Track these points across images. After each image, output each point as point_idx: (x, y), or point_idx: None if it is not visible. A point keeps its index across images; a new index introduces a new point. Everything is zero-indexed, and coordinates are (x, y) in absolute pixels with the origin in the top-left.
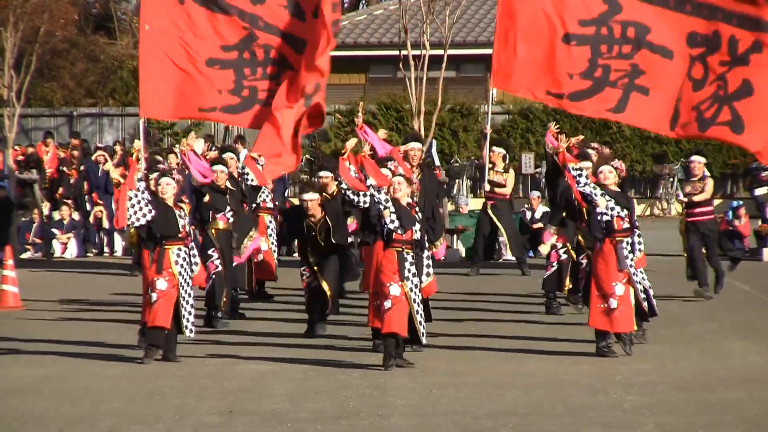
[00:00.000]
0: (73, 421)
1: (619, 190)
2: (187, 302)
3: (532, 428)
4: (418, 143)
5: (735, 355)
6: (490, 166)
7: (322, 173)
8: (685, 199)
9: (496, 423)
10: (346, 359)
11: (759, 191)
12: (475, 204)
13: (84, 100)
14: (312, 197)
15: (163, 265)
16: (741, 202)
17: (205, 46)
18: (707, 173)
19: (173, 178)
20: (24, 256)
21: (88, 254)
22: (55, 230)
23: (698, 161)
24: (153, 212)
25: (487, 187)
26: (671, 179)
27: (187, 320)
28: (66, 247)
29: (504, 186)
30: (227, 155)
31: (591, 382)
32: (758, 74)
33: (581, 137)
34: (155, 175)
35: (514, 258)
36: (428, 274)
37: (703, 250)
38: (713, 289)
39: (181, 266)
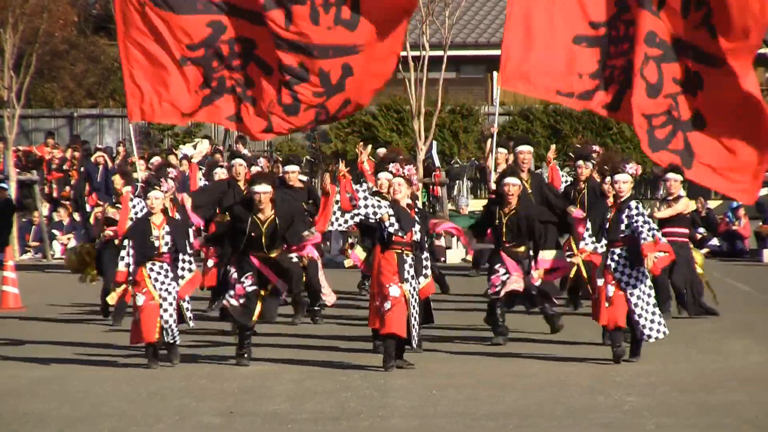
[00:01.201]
0: (74, 422)
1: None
2: (167, 311)
3: (532, 429)
4: (528, 146)
5: (735, 356)
6: (496, 168)
7: (288, 167)
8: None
9: (496, 424)
10: (347, 360)
11: (759, 192)
12: (476, 205)
13: (84, 101)
14: (265, 189)
15: (138, 281)
16: (741, 203)
17: (177, 46)
18: (683, 193)
19: (162, 189)
20: (24, 257)
21: None
22: (55, 231)
23: (674, 179)
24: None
25: (493, 187)
26: None
27: (166, 331)
28: (66, 248)
29: None
30: (237, 162)
31: (591, 383)
32: (708, 109)
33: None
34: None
35: None
36: (426, 276)
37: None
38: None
39: (156, 280)
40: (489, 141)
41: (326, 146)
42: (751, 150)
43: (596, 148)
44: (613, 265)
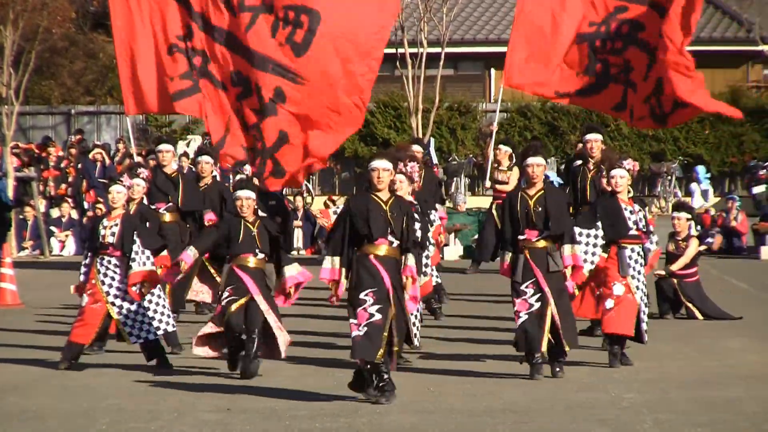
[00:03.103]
0: (72, 417)
1: (629, 198)
2: (121, 313)
3: (530, 426)
4: (597, 134)
5: (734, 353)
6: (495, 165)
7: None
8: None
9: (494, 420)
10: (344, 357)
11: (757, 189)
12: (473, 202)
13: (82, 98)
14: (248, 195)
15: (89, 279)
16: (737, 198)
17: (166, 36)
18: (693, 232)
19: (124, 184)
20: (22, 254)
21: None
22: (53, 228)
23: (679, 217)
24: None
25: (488, 184)
26: (669, 177)
27: (128, 333)
28: (64, 244)
29: (506, 184)
30: (203, 159)
31: (590, 380)
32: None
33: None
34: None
35: None
36: (425, 273)
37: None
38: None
39: (105, 275)
40: (488, 138)
41: None
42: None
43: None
44: (631, 264)
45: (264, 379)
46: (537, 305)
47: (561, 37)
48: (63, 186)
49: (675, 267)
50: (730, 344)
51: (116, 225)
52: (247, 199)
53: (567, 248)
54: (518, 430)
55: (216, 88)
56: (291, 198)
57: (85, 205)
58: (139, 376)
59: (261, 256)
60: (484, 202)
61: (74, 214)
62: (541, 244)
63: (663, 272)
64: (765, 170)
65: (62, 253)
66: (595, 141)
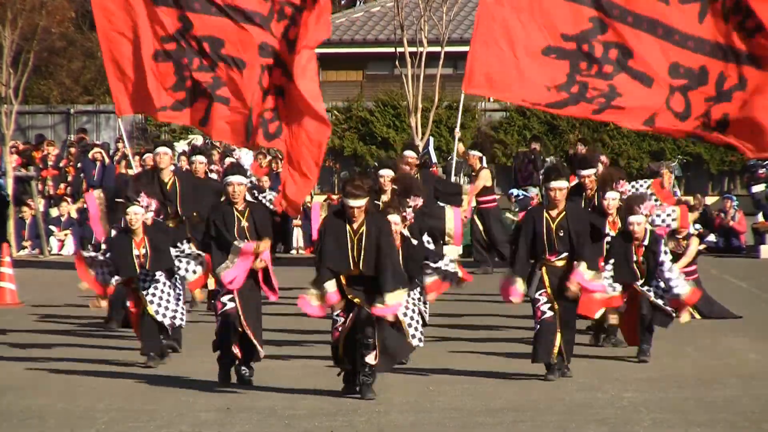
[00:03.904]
0: (72, 416)
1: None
2: (158, 313)
3: (529, 425)
4: (591, 170)
5: (732, 352)
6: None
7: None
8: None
9: (493, 420)
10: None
11: (756, 188)
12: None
13: (81, 97)
14: (240, 180)
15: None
16: (734, 197)
17: (150, 40)
18: (693, 230)
19: (142, 204)
20: (21, 253)
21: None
22: (52, 227)
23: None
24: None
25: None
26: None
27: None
28: (63, 243)
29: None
30: (197, 158)
31: (588, 379)
32: (737, 108)
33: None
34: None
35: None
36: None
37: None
38: None
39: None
40: (458, 144)
41: None
42: None
43: (603, 158)
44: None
45: (264, 378)
46: (549, 314)
47: (528, 48)
48: (62, 185)
49: (678, 266)
50: (730, 343)
51: (144, 248)
52: (238, 184)
53: (583, 266)
54: (517, 430)
55: (234, 68)
56: None
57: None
58: (137, 376)
59: None
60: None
61: (73, 213)
62: (561, 263)
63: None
64: (764, 169)
65: (61, 252)
66: (588, 177)
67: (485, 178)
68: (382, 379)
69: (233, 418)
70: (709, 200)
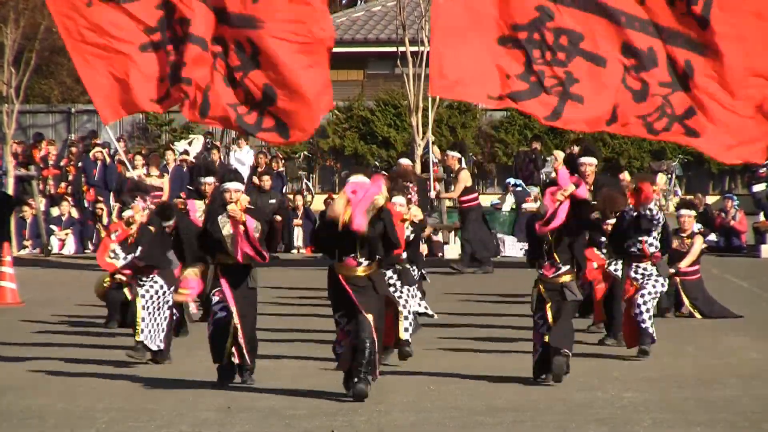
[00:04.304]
0: (72, 416)
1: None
2: (144, 308)
3: (529, 425)
4: (593, 158)
5: (733, 352)
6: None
7: (206, 179)
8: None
9: (493, 419)
10: None
11: (757, 188)
12: None
13: (82, 96)
14: (237, 187)
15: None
16: (734, 197)
17: (131, 34)
18: (696, 229)
19: (144, 201)
20: (22, 252)
21: (86, 251)
22: (53, 226)
23: (687, 215)
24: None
25: (433, 194)
26: (669, 176)
27: (141, 330)
28: (64, 243)
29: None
30: (206, 180)
31: (588, 379)
32: (699, 97)
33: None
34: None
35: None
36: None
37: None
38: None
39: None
40: (432, 147)
41: (323, 142)
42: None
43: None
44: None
45: (264, 378)
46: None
47: (485, 41)
48: (63, 184)
49: (683, 264)
50: (731, 343)
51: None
52: (236, 191)
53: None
54: (517, 429)
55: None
56: (291, 197)
57: (85, 203)
58: (138, 376)
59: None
60: (483, 200)
61: (74, 213)
62: (558, 279)
63: (672, 270)
64: (765, 168)
65: (62, 251)
66: (589, 165)
67: (465, 179)
68: (382, 379)
69: (233, 418)
70: (710, 200)
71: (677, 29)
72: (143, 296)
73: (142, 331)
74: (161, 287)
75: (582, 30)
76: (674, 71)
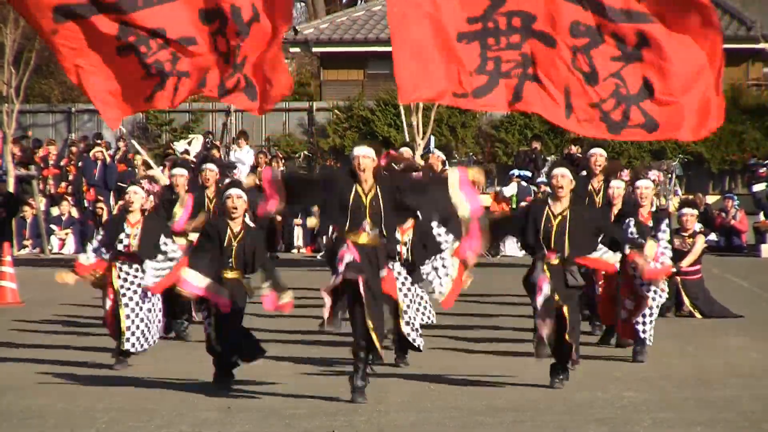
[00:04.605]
0: (72, 416)
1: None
2: (128, 317)
3: (529, 425)
4: (602, 149)
5: (733, 352)
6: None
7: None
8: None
9: (493, 419)
10: (344, 355)
11: (757, 187)
12: None
13: (82, 96)
14: (240, 194)
15: (107, 283)
16: (735, 197)
17: (110, 39)
18: (698, 228)
19: (143, 188)
20: (22, 252)
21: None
22: (53, 226)
23: (690, 214)
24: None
25: None
26: (669, 175)
27: (127, 339)
28: (64, 242)
29: None
30: (207, 166)
31: (589, 378)
32: (652, 69)
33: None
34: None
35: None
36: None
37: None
38: None
39: (125, 279)
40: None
41: (324, 141)
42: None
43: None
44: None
45: (264, 378)
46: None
47: (444, 40)
48: (63, 184)
49: (685, 263)
50: (731, 342)
51: (138, 230)
52: (238, 197)
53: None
54: (517, 429)
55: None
56: None
57: (85, 203)
58: (138, 376)
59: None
60: (483, 200)
61: (74, 213)
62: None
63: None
64: (765, 168)
65: (62, 251)
66: (600, 155)
67: None
68: (382, 380)
69: (233, 418)
70: (710, 199)
71: (628, 8)
72: (127, 305)
73: (128, 339)
74: (141, 278)
75: (534, 11)
76: (624, 45)
